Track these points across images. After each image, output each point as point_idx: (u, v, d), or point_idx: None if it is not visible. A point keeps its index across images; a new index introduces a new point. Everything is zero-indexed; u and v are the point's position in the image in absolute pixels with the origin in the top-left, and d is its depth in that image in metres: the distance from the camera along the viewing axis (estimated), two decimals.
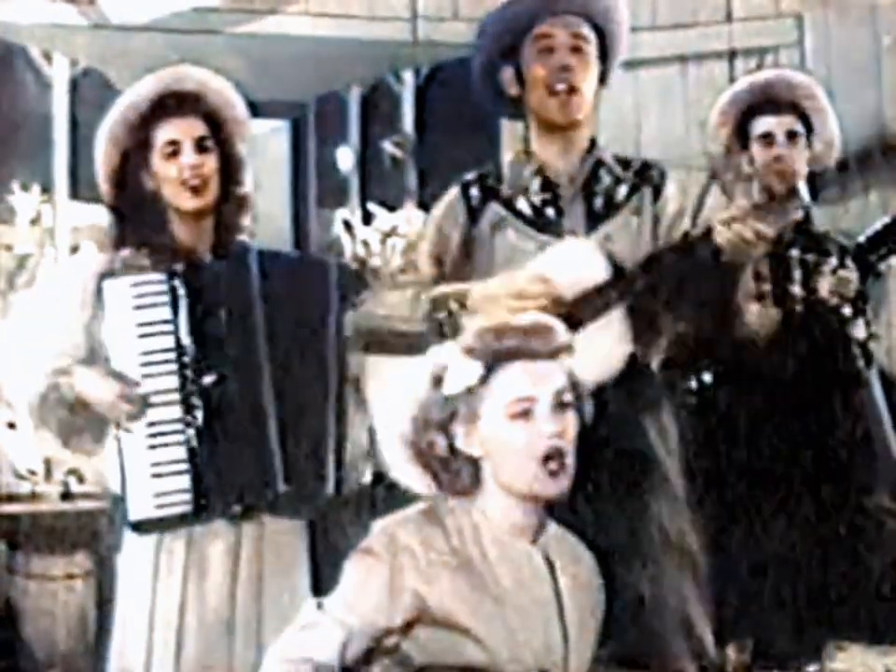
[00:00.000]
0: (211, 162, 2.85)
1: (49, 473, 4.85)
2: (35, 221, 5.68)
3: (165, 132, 2.83)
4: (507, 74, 2.88)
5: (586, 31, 2.84)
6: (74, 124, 5.81)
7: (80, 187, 5.56)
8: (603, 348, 2.65)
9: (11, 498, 4.77)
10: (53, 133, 5.84)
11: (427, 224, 3.03)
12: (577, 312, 2.63)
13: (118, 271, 2.82)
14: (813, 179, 2.62)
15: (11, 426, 4.74)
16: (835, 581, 3.19)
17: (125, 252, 2.86)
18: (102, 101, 2.97)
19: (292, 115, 6.81)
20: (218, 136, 2.87)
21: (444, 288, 2.81)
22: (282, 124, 6.86)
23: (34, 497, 4.81)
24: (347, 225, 5.86)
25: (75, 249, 5.63)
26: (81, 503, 4.72)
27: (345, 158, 6.74)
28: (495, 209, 2.88)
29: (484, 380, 2.18)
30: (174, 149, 2.82)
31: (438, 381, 2.22)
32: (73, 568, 4.59)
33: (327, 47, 5.75)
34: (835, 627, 3.15)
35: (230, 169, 2.89)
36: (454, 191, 2.94)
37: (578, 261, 2.73)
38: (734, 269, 2.70)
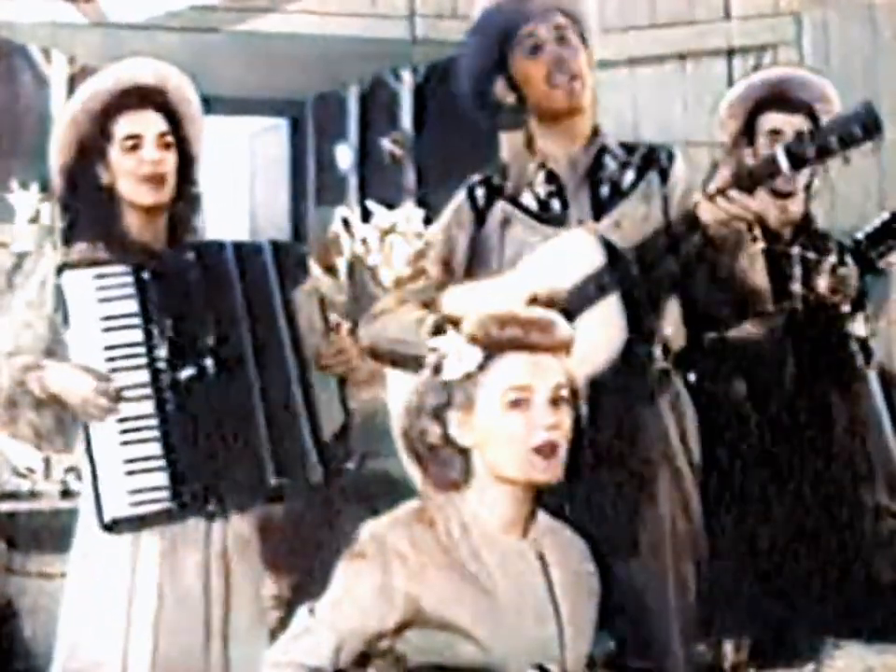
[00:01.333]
0: (171, 159, 2.81)
1: (48, 471, 4.84)
2: (33, 220, 5.68)
3: (126, 125, 2.79)
4: (499, 86, 2.86)
5: (563, 20, 2.82)
6: None
7: None
8: (600, 335, 2.63)
9: (10, 496, 4.76)
10: (52, 132, 5.83)
11: (436, 230, 3.01)
12: (571, 300, 2.61)
13: (76, 263, 2.76)
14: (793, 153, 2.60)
15: None
16: (833, 580, 3.18)
17: (81, 245, 2.83)
18: None
19: (291, 113, 6.82)
20: (177, 133, 2.84)
21: (445, 307, 2.78)
22: (281, 122, 6.87)
23: (33, 495, 4.80)
24: (346, 223, 5.85)
25: None
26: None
27: (344, 155, 6.75)
28: (501, 207, 2.86)
29: (483, 367, 2.18)
30: (134, 143, 2.79)
31: (437, 369, 2.22)
32: None
33: (325, 45, 5.76)
34: (833, 625, 3.14)
35: (186, 167, 2.86)
36: (460, 195, 2.91)
37: (572, 252, 2.72)
38: (727, 242, 2.68)
